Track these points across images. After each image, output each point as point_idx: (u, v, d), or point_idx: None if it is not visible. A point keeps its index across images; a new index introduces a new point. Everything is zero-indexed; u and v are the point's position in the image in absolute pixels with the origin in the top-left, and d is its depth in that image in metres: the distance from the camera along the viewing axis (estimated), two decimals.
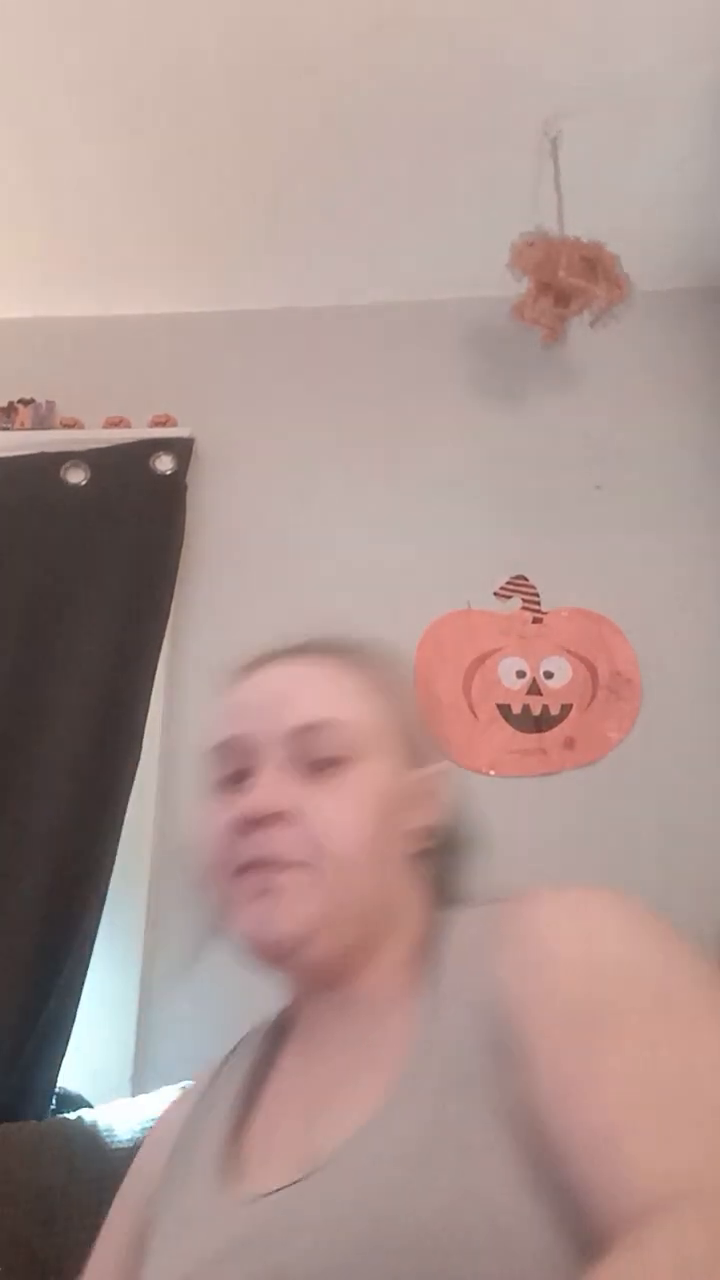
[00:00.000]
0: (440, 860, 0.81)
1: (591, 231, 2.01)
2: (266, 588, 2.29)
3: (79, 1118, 1.48)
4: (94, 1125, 1.45)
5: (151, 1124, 1.51)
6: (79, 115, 2.04)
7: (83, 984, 1.95)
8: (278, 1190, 0.64)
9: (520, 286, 2.07)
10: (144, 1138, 0.89)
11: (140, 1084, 1.97)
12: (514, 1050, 0.59)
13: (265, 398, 2.48)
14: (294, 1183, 0.63)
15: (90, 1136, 1.42)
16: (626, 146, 2.10)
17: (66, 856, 2.02)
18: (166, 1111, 0.88)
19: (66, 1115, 1.54)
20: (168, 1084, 1.81)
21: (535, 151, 2.09)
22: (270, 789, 0.72)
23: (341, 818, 0.72)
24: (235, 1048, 0.86)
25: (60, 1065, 1.91)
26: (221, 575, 2.33)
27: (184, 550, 2.29)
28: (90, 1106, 1.71)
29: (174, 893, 2.14)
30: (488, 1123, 0.58)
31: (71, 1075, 1.93)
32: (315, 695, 0.76)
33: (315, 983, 0.76)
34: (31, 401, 2.46)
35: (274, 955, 0.73)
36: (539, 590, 2.26)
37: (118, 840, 2.04)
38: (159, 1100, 1.71)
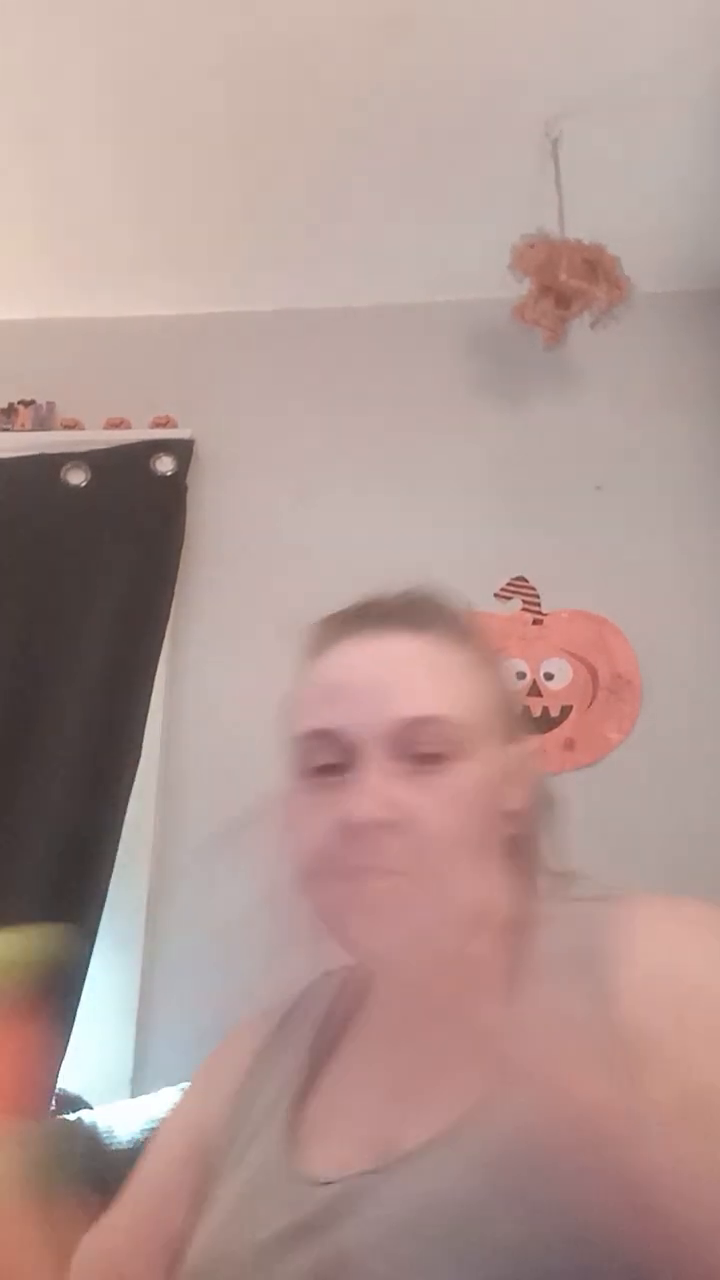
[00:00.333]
0: (528, 836, 0.80)
1: (592, 233, 2.01)
2: (266, 589, 2.29)
3: (78, 1119, 1.48)
4: (93, 1126, 1.45)
5: (151, 1126, 1.52)
6: (80, 117, 2.04)
7: (82, 985, 1.95)
8: (349, 1176, 0.63)
9: (521, 288, 2.07)
10: (206, 1063, 0.88)
11: (140, 1085, 1.97)
12: (626, 1071, 0.58)
13: (266, 399, 2.48)
14: (368, 1171, 0.63)
15: (90, 1138, 1.42)
16: (627, 147, 2.10)
17: (66, 857, 2.02)
18: (234, 1041, 0.87)
19: (66, 1116, 1.54)
20: (167, 1085, 1.81)
21: (536, 153, 2.09)
22: (378, 794, 0.68)
23: (448, 826, 0.69)
24: (299, 999, 0.85)
25: (59, 1066, 1.91)
26: (221, 576, 2.33)
27: (184, 551, 2.29)
28: (90, 1107, 1.71)
29: (173, 894, 2.14)
30: None
31: (71, 1076, 1.93)
32: (421, 684, 0.72)
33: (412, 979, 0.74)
34: (32, 403, 2.46)
35: (376, 963, 0.72)
36: (539, 592, 2.26)
37: (117, 840, 2.05)
38: (159, 1101, 1.71)
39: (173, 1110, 0.86)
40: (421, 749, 0.69)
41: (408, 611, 0.77)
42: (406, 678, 0.72)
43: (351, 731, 0.70)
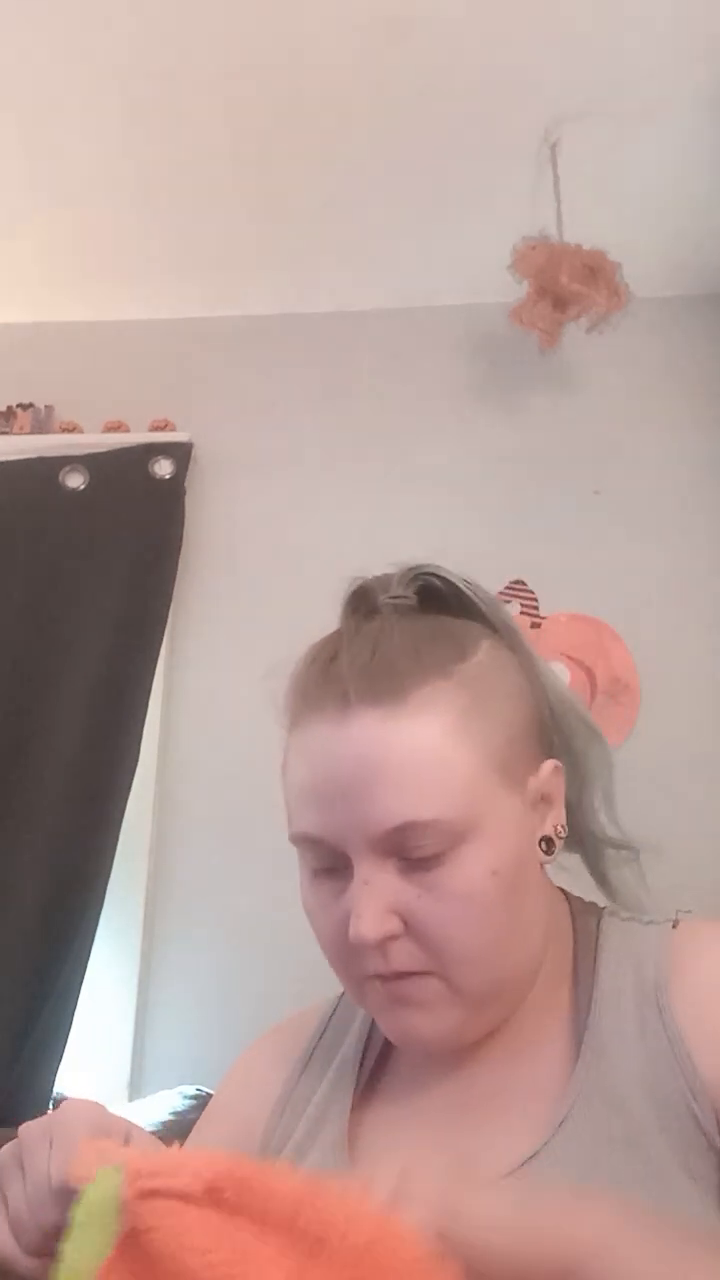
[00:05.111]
0: (580, 828, 0.78)
1: (590, 238, 2.02)
2: (264, 593, 2.29)
3: None
4: None
5: (150, 1128, 1.51)
6: (80, 120, 2.04)
7: (80, 987, 1.95)
8: None
9: (518, 292, 2.08)
10: (244, 1064, 0.85)
11: (138, 1087, 1.98)
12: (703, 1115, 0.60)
13: (264, 403, 2.48)
14: None
15: None
16: (625, 152, 2.10)
17: (64, 860, 2.02)
18: (274, 1046, 0.83)
19: None
20: (165, 1087, 1.82)
21: (534, 157, 2.10)
22: (374, 910, 0.63)
23: (459, 920, 0.64)
24: (328, 1022, 0.82)
25: (58, 1069, 1.91)
26: (219, 580, 2.34)
27: (182, 555, 2.30)
28: None
29: (172, 896, 2.14)
30: (661, 1175, 0.58)
31: (69, 1079, 1.93)
32: (403, 784, 0.64)
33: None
34: (30, 406, 2.46)
35: (422, 1053, 0.70)
36: (537, 595, 2.26)
37: (115, 844, 2.05)
38: (157, 1103, 1.71)
39: (212, 1105, 0.84)
40: (416, 854, 0.64)
41: (379, 674, 0.66)
42: (383, 780, 0.63)
43: (336, 840, 0.65)
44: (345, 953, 0.66)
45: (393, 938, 0.64)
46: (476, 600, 0.76)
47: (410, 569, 0.76)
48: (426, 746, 0.64)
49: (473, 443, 2.41)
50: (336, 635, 0.73)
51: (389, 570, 0.77)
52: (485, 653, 0.71)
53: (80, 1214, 0.48)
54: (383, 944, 0.64)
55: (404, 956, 0.64)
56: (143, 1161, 0.47)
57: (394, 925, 0.64)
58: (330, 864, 0.67)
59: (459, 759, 0.65)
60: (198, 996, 2.04)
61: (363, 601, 0.75)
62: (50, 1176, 0.54)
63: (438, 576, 0.76)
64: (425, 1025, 0.66)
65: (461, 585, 0.76)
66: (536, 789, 0.70)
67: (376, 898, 0.63)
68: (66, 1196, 0.51)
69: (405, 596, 0.74)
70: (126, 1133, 0.58)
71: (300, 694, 0.70)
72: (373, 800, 0.63)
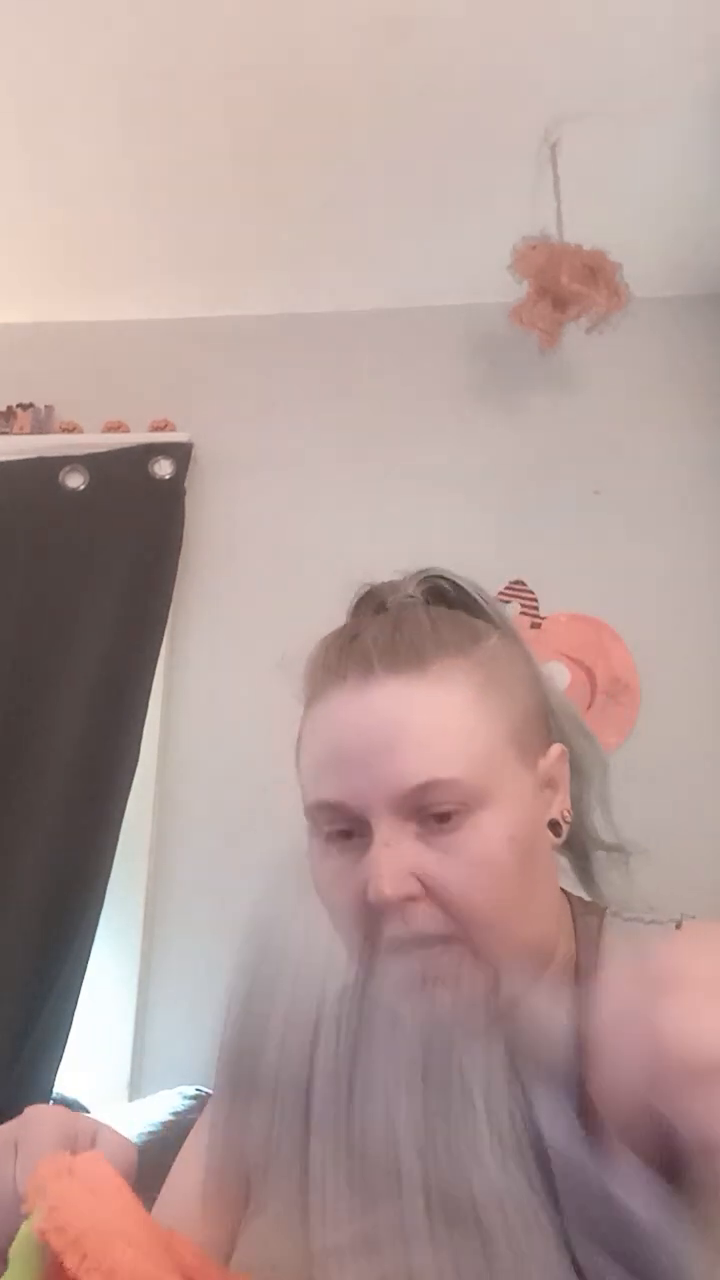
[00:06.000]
0: (579, 825, 0.78)
1: (590, 237, 2.02)
2: (265, 593, 2.29)
3: None
4: None
5: (150, 1130, 1.51)
6: (79, 120, 2.04)
7: (80, 989, 1.95)
8: None
9: (518, 292, 2.08)
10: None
11: (138, 1089, 1.98)
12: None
13: (264, 403, 2.48)
14: None
15: None
16: (625, 152, 2.10)
17: (64, 860, 2.02)
18: None
19: None
20: (165, 1087, 1.81)
21: (534, 157, 2.10)
22: (394, 870, 0.64)
23: (478, 884, 0.65)
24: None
25: (57, 1070, 1.91)
26: (220, 580, 2.34)
27: (182, 555, 2.29)
28: (88, 1112, 1.71)
29: (172, 896, 2.14)
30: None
31: (69, 1080, 1.93)
32: (422, 744, 0.65)
33: None
34: (30, 406, 2.46)
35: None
36: (537, 596, 2.26)
37: (115, 844, 2.05)
38: (157, 1103, 1.71)
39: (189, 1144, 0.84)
40: (434, 810, 0.65)
41: (401, 647, 0.69)
42: (406, 739, 0.66)
43: (356, 803, 0.66)
44: (363, 919, 0.65)
45: (412, 899, 0.64)
46: (482, 602, 0.79)
47: (419, 572, 0.79)
48: (446, 710, 0.67)
49: (473, 443, 2.41)
50: (354, 622, 0.76)
51: (393, 578, 0.79)
52: (497, 641, 0.74)
53: (12, 1249, 0.51)
54: (403, 905, 0.64)
55: (424, 919, 0.64)
56: (50, 1213, 0.50)
57: (414, 886, 0.64)
58: (348, 827, 0.67)
59: (477, 725, 0.67)
60: (198, 996, 2.03)
61: (371, 601, 0.78)
62: (16, 1187, 0.55)
63: (445, 579, 0.78)
64: (455, 1001, 0.64)
65: (469, 588, 0.79)
66: (546, 771, 0.72)
67: (397, 859, 0.64)
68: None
69: (414, 597, 0.77)
70: (94, 1135, 0.59)
71: (323, 667, 0.72)
72: (395, 759, 0.65)
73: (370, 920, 0.65)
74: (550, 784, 0.72)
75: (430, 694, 0.67)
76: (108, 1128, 0.60)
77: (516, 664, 0.74)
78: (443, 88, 1.96)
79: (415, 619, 0.72)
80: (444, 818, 0.65)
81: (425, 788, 0.64)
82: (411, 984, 0.66)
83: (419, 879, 0.64)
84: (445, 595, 0.78)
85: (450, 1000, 0.65)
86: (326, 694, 0.70)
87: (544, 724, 0.74)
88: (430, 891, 0.64)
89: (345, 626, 0.76)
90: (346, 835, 0.68)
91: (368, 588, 0.79)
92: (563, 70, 1.93)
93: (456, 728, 0.66)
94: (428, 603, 0.77)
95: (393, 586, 0.78)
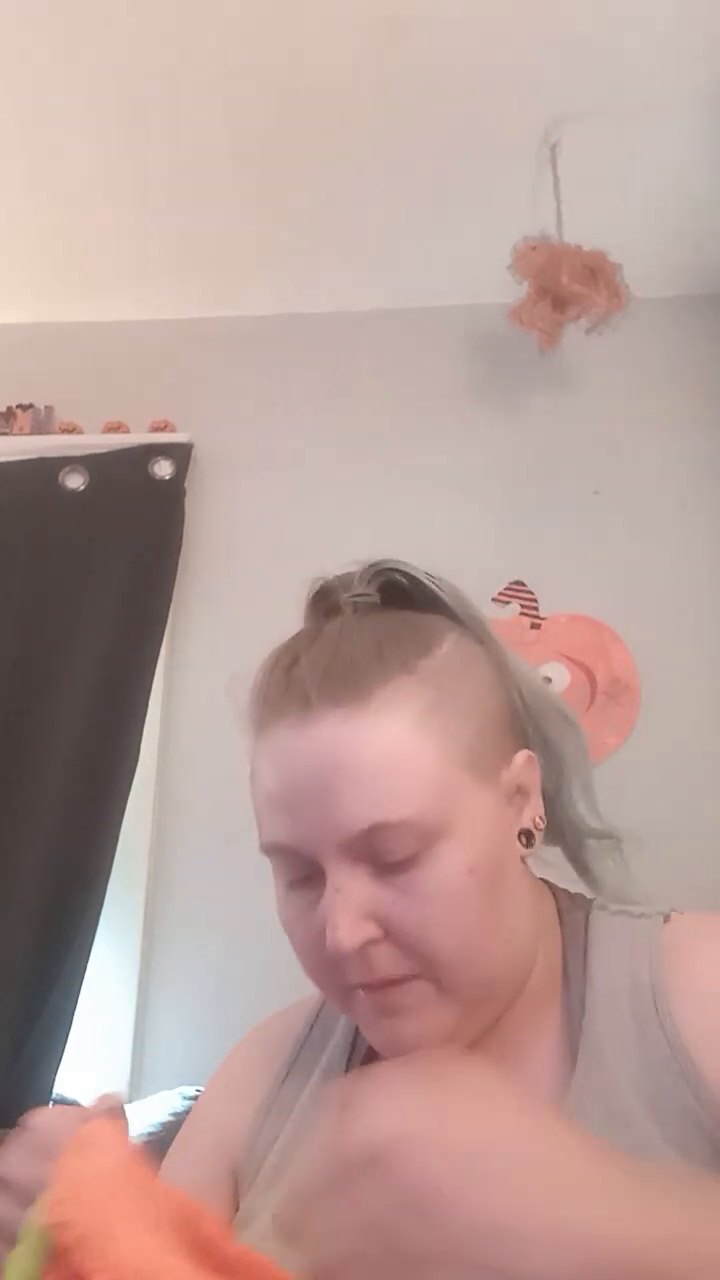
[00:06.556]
0: (560, 817, 0.76)
1: (590, 237, 2.02)
2: (265, 593, 2.27)
3: None
4: None
5: (150, 1130, 1.51)
6: (79, 121, 2.04)
7: (80, 989, 1.95)
8: None
9: (518, 293, 2.08)
10: (229, 1067, 0.83)
11: (138, 1087, 1.98)
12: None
13: (264, 403, 2.48)
14: None
15: None
16: (625, 152, 2.10)
17: (64, 860, 2.02)
18: (258, 1048, 0.81)
19: None
20: (165, 1087, 1.81)
21: (534, 157, 2.10)
22: (349, 918, 0.61)
23: (438, 921, 0.62)
24: (314, 1021, 0.80)
25: (57, 1071, 1.91)
26: (219, 581, 2.33)
27: (182, 555, 2.30)
28: None
29: (172, 896, 2.14)
30: None
31: (69, 1081, 1.93)
32: (370, 784, 0.61)
33: None
34: (30, 406, 2.46)
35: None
36: (537, 596, 2.26)
37: (115, 844, 2.05)
38: (156, 1105, 1.71)
39: (195, 1112, 0.83)
40: (387, 857, 0.61)
41: (340, 675, 0.64)
42: (348, 781, 0.61)
43: (305, 848, 0.63)
44: (326, 965, 0.63)
45: (372, 943, 0.61)
46: (440, 594, 0.74)
47: (371, 565, 0.74)
48: (391, 745, 0.62)
49: (473, 443, 2.41)
50: (298, 638, 0.72)
51: (351, 569, 0.75)
52: (450, 646, 0.69)
53: (20, 1233, 0.53)
54: (363, 951, 0.61)
55: (387, 962, 0.62)
56: (55, 1207, 0.52)
57: (371, 931, 0.61)
58: (304, 874, 0.64)
59: (425, 756, 0.63)
60: (198, 996, 2.04)
61: (324, 601, 0.75)
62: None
63: (399, 571, 0.74)
64: (415, 1032, 0.63)
65: (424, 579, 0.74)
66: (510, 781, 0.68)
67: (351, 905, 0.61)
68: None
69: (367, 594, 0.73)
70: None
71: (262, 700, 0.69)
72: (339, 804, 0.61)
73: (333, 966, 0.63)
74: (520, 791, 0.69)
75: (373, 726, 0.62)
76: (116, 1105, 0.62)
77: (473, 669, 0.69)
78: (443, 88, 1.96)
79: (357, 636, 0.67)
80: (397, 859, 0.62)
81: (372, 832, 0.61)
82: (376, 1019, 0.64)
83: (376, 921, 0.62)
84: (401, 589, 0.74)
85: (413, 1032, 0.63)
86: (266, 730, 0.67)
87: (507, 731, 0.70)
88: (389, 934, 0.62)
89: (288, 645, 0.72)
90: (305, 881, 0.65)
91: (320, 584, 0.76)
92: (563, 70, 1.93)
93: (402, 764, 0.62)
94: (384, 598, 0.73)
95: (345, 582, 0.74)
